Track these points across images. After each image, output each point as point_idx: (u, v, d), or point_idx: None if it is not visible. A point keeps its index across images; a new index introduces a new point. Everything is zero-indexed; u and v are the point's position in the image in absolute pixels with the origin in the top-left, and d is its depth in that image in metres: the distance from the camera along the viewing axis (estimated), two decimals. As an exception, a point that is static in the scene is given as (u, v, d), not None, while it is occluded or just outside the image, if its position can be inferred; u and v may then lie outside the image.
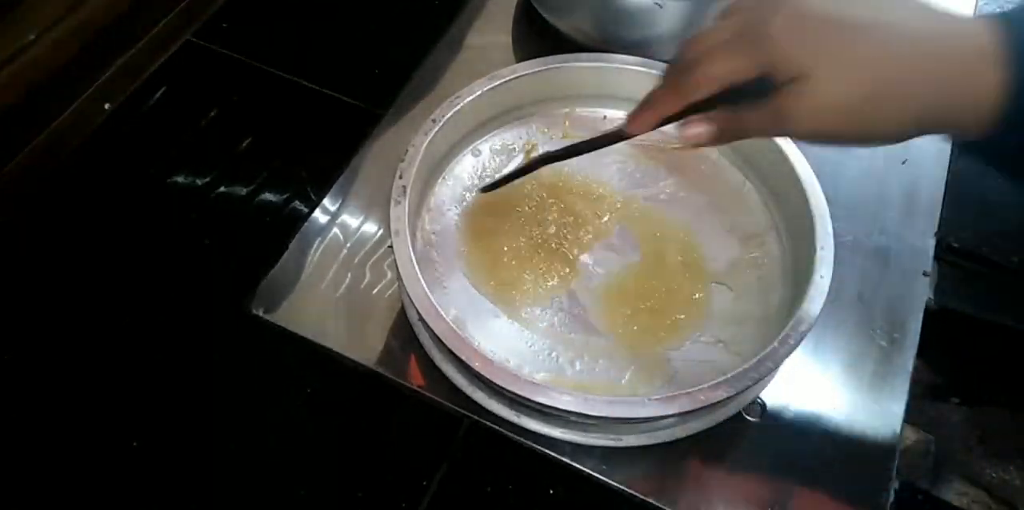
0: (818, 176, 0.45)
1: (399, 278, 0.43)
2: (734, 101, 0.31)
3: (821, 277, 0.42)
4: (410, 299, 0.41)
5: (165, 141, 0.56)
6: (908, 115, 0.28)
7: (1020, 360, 0.57)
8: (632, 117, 0.36)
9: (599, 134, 0.39)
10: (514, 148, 0.53)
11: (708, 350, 0.45)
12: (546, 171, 0.51)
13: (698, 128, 0.33)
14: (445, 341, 0.39)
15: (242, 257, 0.51)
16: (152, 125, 0.57)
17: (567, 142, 0.43)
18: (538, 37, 0.61)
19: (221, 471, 0.44)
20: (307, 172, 0.55)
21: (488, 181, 0.48)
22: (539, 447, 0.44)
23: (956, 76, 0.27)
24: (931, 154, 0.57)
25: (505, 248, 0.48)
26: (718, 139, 0.33)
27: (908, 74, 0.27)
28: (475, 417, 0.45)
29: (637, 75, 0.51)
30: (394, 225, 0.43)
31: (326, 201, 0.53)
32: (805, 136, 0.30)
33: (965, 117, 0.28)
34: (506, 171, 0.47)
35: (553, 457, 0.44)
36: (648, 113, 0.35)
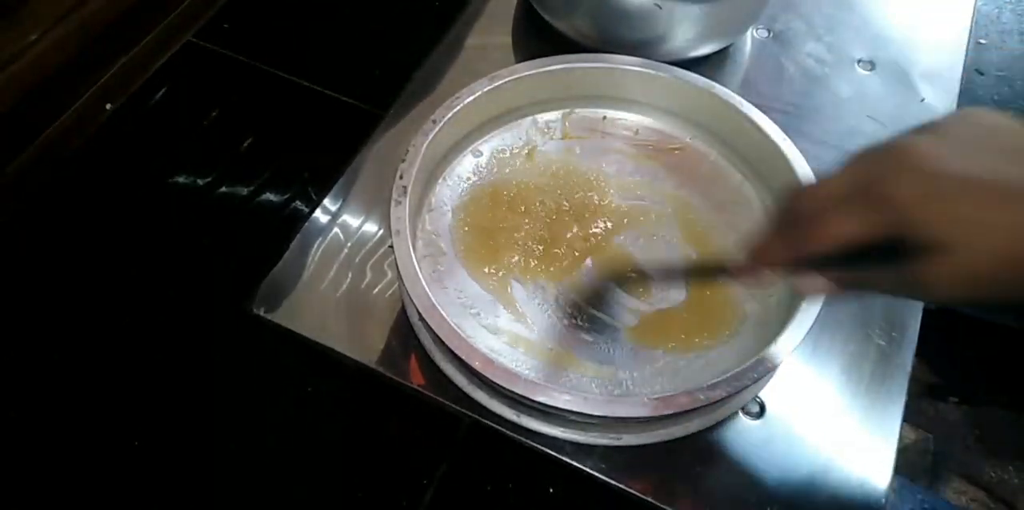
0: (817, 176, 0.45)
1: (399, 278, 0.43)
2: (853, 262, 0.29)
3: (820, 277, 0.42)
4: (410, 299, 0.41)
5: (166, 141, 0.57)
6: None
7: (1018, 360, 0.57)
8: (743, 263, 0.34)
9: (701, 265, 0.38)
10: (514, 148, 0.53)
11: (707, 350, 0.45)
12: (545, 170, 0.52)
13: (817, 283, 0.31)
14: (445, 341, 0.39)
15: (242, 257, 0.51)
16: (153, 125, 0.57)
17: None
18: (538, 37, 0.61)
19: (221, 471, 0.45)
20: (308, 172, 0.55)
21: (487, 181, 0.47)
22: (539, 446, 0.44)
23: None
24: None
25: (506, 247, 0.48)
26: (840, 293, 0.31)
27: None
28: (475, 417, 0.45)
29: (637, 76, 0.51)
30: (395, 225, 0.43)
31: (327, 201, 0.53)
32: (941, 302, 0.28)
33: None
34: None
35: (553, 456, 0.44)
36: (755, 263, 0.33)
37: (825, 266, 0.30)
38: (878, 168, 0.28)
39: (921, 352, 0.48)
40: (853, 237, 0.28)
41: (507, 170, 0.52)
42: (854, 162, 0.29)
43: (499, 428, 0.45)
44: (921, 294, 0.28)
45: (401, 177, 0.45)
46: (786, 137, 0.47)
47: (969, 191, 0.26)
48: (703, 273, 0.38)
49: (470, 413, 0.45)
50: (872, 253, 0.28)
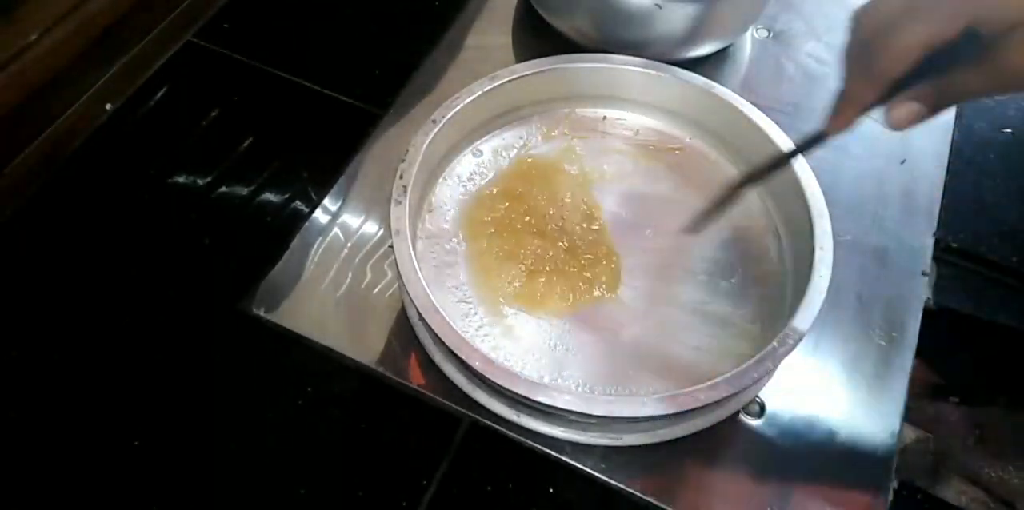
0: (817, 176, 0.45)
1: (399, 278, 0.43)
2: (938, 68, 0.28)
3: (820, 277, 0.42)
4: (410, 299, 0.41)
5: (166, 141, 0.57)
6: None
7: (1019, 360, 0.57)
8: (833, 115, 0.32)
9: (803, 139, 0.36)
10: (514, 148, 0.53)
11: (707, 349, 0.45)
12: (545, 170, 0.52)
13: (909, 107, 0.30)
14: (445, 341, 0.39)
15: (242, 257, 0.51)
16: (153, 125, 0.57)
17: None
18: (538, 37, 0.61)
19: (221, 471, 0.44)
20: (308, 172, 0.55)
21: (487, 181, 0.47)
22: (539, 446, 0.44)
23: None
24: (930, 154, 0.57)
25: (506, 247, 0.48)
26: (933, 112, 0.30)
27: None
28: (475, 416, 0.45)
29: (637, 76, 0.51)
30: (395, 225, 0.43)
31: (327, 201, 0.53)
32: None
33: None
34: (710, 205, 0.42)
35: (553, 456, 0.44)
36: (848, 107, 0.31)
37: (913, 83, 0.29)
38: None
39: (921, 352, 0.48)
40: (931, 39, 0.27)
41: (507, 170, 0.52)
42: None
43: (499, 428, 0.45)
44: (1016, 82, 0.27)
45: (401, 177, 0.45)
46: (786, 137, 0.47)
47: None
48: (810, 144, 0.37)
49: (470, 413, 0.45)
50: (954, 54, 0.27)
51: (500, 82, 0.49)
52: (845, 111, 0.32)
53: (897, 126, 0.30)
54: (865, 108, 0.31)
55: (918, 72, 0.28)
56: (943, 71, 0.28)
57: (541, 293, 0.47)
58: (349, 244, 0.51)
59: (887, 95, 0.30)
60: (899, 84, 0.29)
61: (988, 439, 0.65)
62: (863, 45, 0.29)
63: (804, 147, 0.37)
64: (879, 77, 0.29)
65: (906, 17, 0.27)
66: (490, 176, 0.51)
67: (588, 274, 0.47)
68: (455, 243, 0.49)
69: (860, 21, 0.30)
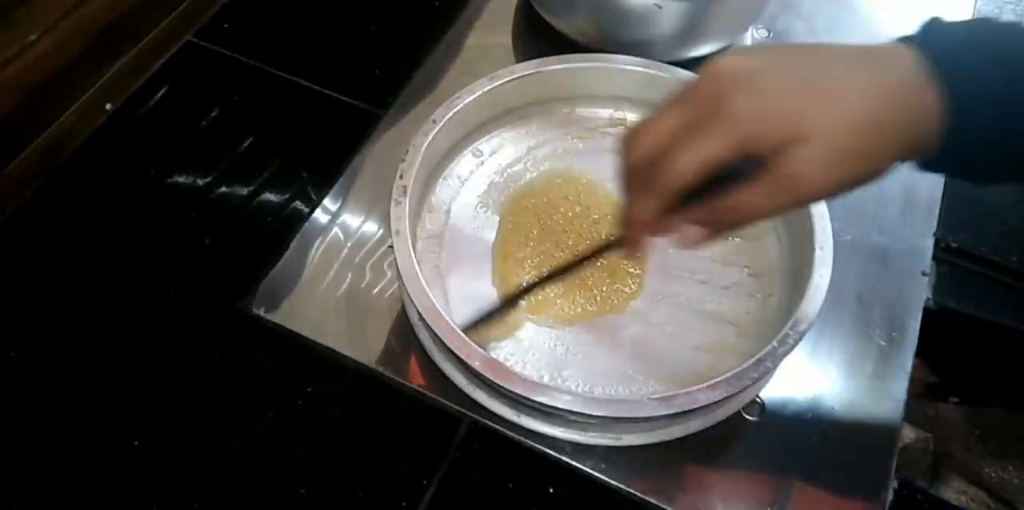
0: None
1: (399, 278, 0.43)
2: (717, 187, 0.28)
3: (820, 277, 0.42)
4: (410, 299, 0.41)
5: (166, 141, 0.57)
6: (894, 138, 0.27)
7: (1019, 359, 0.57)
8: (626, 243, 0.33)
9: (590, 249, 0.37)
10: (514, 148, 0.53)
11: (708, 349, 0.45)
12: (545, 170, 0.52)
13: (694, 233, 0.31)
14: (445, 341, 0.39)
15: (242, 257, 0.51)
16: (153, 125, 0.57)
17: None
18: (538, 37, 0.61)
19: (221, 470, 0.44)
20: (308, 172, 0.55)
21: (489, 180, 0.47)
22: (539, 446, 0.44)
23: (907, 97, 0.27)
24: (930, 154, 0.57)
25: (506, 247, 0.48)
26: (718, 233, 0.31)
27: (879, 99, 0.27)
28: (475, 417, 0.45)
29: (637, 75, 0.51)
30: (395, 225, 0.43)
31: (327, 201, 0.53)
32: (823, 193, 0.28)
33: (925, 134, 0.27)
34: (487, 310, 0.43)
35: (553, 456, 0.44)
36: (634, 231, 0.32)
37: (692, 203, 0.29)
38: (702, 94, 0.28)
39: (921, 352, 0.48)
40: (706, 164, 0.27)
41: (507, 170, 0.52)
42: (678, 96, 0.29)
43: (499, 428, 0.45)
44: (799, 196, 0.28)
45: (401, 177, 0.45)
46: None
47: (791, 84, 0.27)
48: (592, 255, 0.38)
49: (470, 413, 0.45)
50: (733, 173, 0.28)
51: (500, 82, 0.49)
52: (633, 237, 0.33)
53: (684, 246, 0.31)
54: (652, 230, 0.32)
55: (700, 192, 0.29)
56: (723, 191, 0.28)
57: (543, 290, 0.46)
58: (349, 244, 0.51)
59: (670, 216, 0.30)
60: (682, 201, 0.29)
61: (988, 439, 0.65)
62: (645, 161, 0.29)
63: (599, 253, 0.38)
64: (658, 197, 0.29)
65: (685, 141, 0.28)
66: (490, 176, 0.51)
67: (606, 289, 0.47)
68: (455, 243, 0.48)
69: (633, 141, 0.30)
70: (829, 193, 0.28)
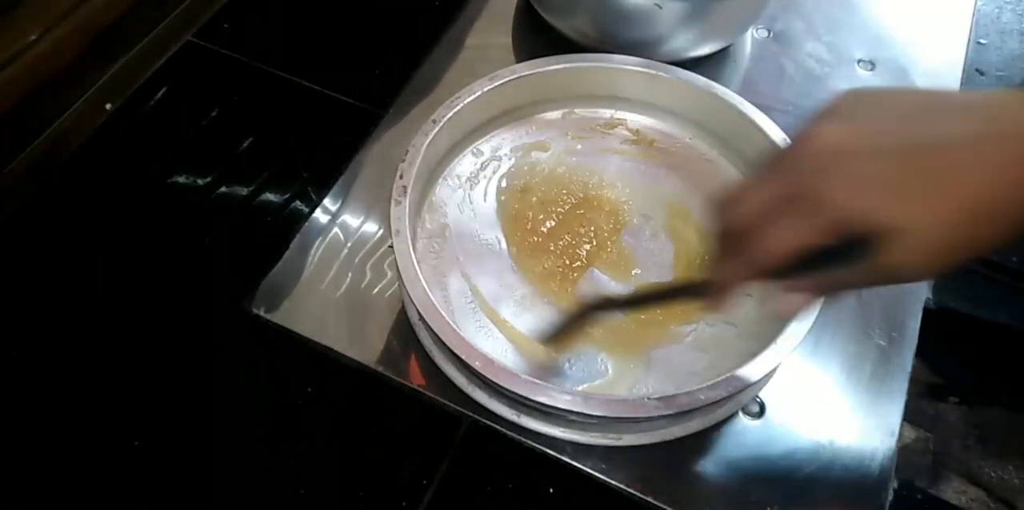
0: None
1: (399, 278, 0.43)
2: (814, 265, 0.28)
3: (820, 277, 0.42)
4: (410, 299, 0.41)
5: (166, 141, 0.57)
6: (1012, 221, 0.25)
7: (1018, 359, 0.57)
8: (709, 294, 0.33)
9: (673, 287, 0.37)
10: (514, 148, 0.53)
11: (708, 349, 0.45)
12: (545, 170, 0.52)
13: (794, 301, 0.30)
14: (445, 341, 0.39)
15: (242, 257, 0.51)
16: (153, 125, 0.57)
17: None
18: (538, 37, 0.61)
19: (221, 471, 0.44)
20: (308, 172, 0.55)
21: (489, 181, 0.47)
22: (539, 446, 0.44)
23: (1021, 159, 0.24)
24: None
25: (506, 247, 0.48)
26: (818, 298, 0.31)
27: (995, 176, 0.24)
28: (475, 417, 0.45)
29: (637, 75, 0.51)
30: (395, 225, 0.43)
31: (327, 201, 0.53)
32: (925, 278, 0.28)
33: None
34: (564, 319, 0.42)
35: (553, 456, 0.44)
36: (721, 289, 0.32)
37: (790, 276, 0.29)
38: (798, 170, 0.27)
39: (921, 352, 0.48)
40: (801, 247, 0.27)
41: (507, 170, 0.52)
42: (770, 169, 0.29)
43: (499, 428, 0.45)
44: (899, 280, 0.27)
45: (401, 177, 0.45)
46: (786, 137, 0.47)
47: (892, 170, 0.25)
48: (674, 297, 0.38)
49: (470, 413, 0.45)
50: (830, 254, 0.27)
51: (500, 82, 0.49)
52: (718, 291, 0.32)
53: (784, 314, 0.31)
54: (738, 291, 0.31)
55: (796, 269, 0.28)
56: (821, 269, 0.28)
57: (543, 290, 0.47)
58: (349, 244, 0.51)
59: (766, 281, 0.30)
60: (777, 275, 0.29)
61: (988, 438, 0.65)
62: (736, 236, 0.29)
63: (683, 298, 0.37)
64: (753, 267, 0.29)
65: (780, 221, 0.27)
66: (490, 176, 0.51)
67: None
68: (455, 242, 0.48)
69: (728, 208, 0.29)
70: (932, 277, 0.27)
